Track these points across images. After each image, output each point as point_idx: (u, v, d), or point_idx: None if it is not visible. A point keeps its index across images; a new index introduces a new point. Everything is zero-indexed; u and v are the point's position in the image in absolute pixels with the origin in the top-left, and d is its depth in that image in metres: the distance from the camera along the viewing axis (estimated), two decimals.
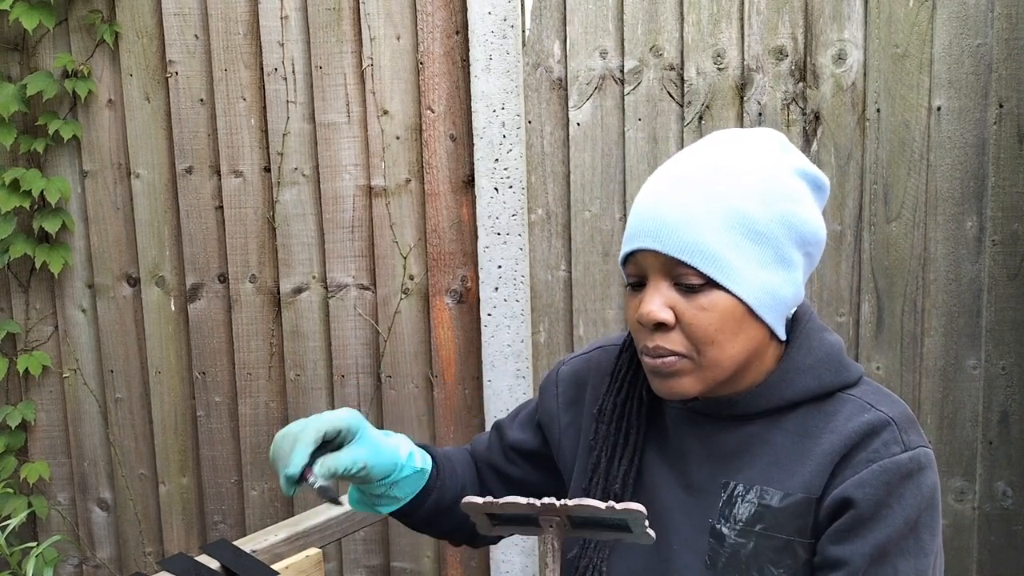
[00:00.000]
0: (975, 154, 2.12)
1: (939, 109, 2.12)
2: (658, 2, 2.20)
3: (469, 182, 2.35)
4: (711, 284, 0.98)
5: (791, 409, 1.04)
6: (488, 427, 2.35)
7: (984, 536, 2.21)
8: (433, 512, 1.19)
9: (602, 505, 0.88)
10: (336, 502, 1.08)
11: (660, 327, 0.99)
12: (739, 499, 1.03)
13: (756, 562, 1.01)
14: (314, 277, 2.47)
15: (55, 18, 2.44)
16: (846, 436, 1.00)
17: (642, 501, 1.08)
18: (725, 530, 1.02)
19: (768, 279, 0.99)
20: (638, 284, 1.02)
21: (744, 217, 0.98)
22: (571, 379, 1.22)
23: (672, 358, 0.99)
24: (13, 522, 1.83)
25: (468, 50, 2.28)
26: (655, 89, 2.23)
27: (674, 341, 0.99)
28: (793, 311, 1.06)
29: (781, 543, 1.00)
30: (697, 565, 1.03)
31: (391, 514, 1.17)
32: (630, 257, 1.02)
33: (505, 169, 2.28)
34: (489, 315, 2.33)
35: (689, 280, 0.98)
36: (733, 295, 0.98)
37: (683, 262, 0.97)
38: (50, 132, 2.46)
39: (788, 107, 2.18)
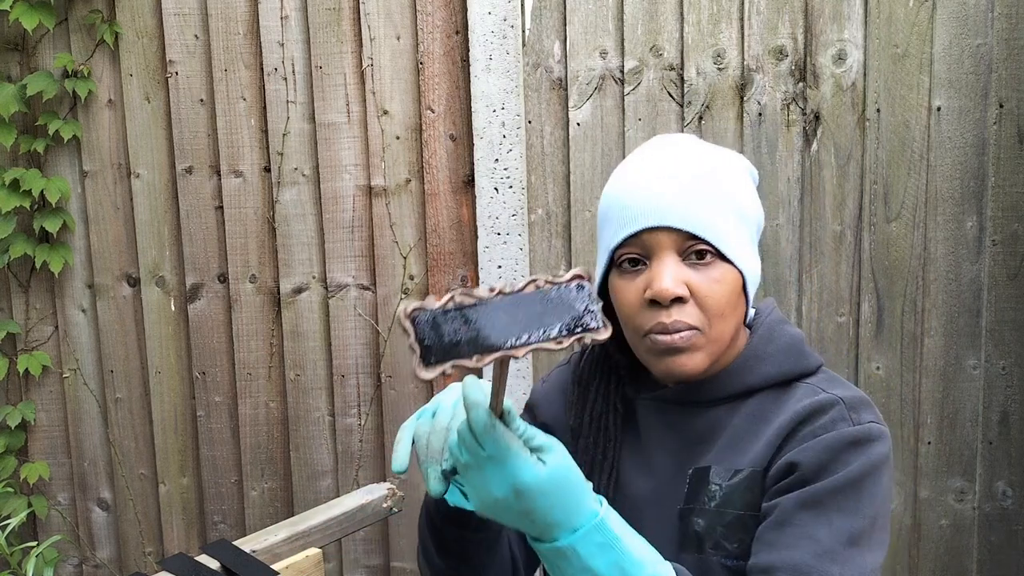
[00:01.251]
0: (975, 154, 2.12)
1: (939, 109, 2.12)
2: (658, 2, 2.20)
3: (469, 182, 2.35)
4: (719, 258, 1.03)
5: (751, 395, 1.07)
6: None
7: (984, 536, 2.21)
8: (499, 538, 1.11)
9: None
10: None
11: (676, 302, 1.02)
12: (700, 482, 1.05)
13: (710, 539, 1.03)
14: (314, 277, 2.47)
15: (55, 18, 2.44)
16: (794, 413, 1.03)
17: (619, 500, 1.10)
18: (690, 514, 1.05)
19: (753, 258, 1.07)
20: (636, 262, 1.04)
21: (736, 202, 1.05)
22: (543, 401, 1.24)
23: (689, 332, 1.02)
24: (13, 522, 1.83)
25: (468, 50, 2.28)
26: (655, 89, 2.23)
27: (691, 315, 1.02)
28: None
29: (733, 518, 1.03)
30: (671, 551, 1.04)
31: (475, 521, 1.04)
32: (630, 239, 1.04)
33: (505, 169, 2.28)
34: None
35: (701, 251, 1.02)
36: (737, 269, 1.03)
37: (697, 236, 1.01)
38: (50, 132, 2.46)
39: (788, 107, 2.18)
